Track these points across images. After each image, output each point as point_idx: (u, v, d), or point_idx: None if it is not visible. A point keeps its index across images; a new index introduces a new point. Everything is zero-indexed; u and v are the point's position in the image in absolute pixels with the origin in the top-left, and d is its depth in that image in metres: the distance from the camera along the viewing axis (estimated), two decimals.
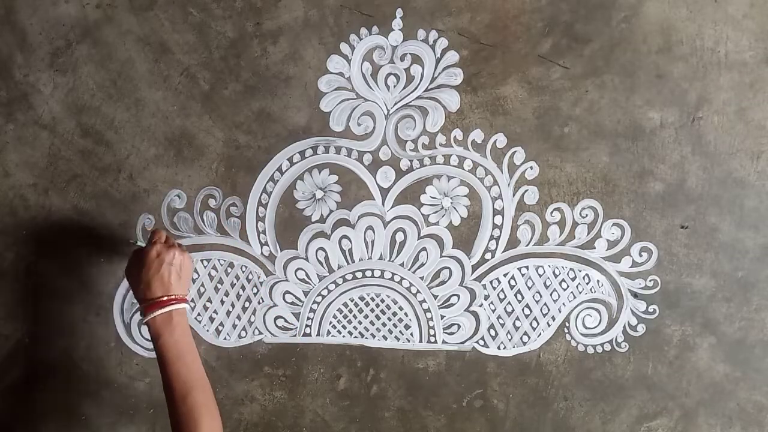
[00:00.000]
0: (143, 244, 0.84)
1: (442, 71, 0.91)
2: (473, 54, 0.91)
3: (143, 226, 0.94)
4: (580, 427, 0.98)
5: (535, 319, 0.96)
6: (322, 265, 0.95)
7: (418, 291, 0.96)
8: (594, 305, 0.95)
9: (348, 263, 0.95)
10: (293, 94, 0.92)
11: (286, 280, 0.95)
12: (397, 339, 0.97)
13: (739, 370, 0.96)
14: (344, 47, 0.91)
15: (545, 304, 0.96)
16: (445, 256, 0.95)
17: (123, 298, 0.95)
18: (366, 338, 0.97)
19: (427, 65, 0.91)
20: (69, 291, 0.95)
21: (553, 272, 0.95)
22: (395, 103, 0.92)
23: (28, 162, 0.93)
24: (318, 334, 0.97)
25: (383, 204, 0.94)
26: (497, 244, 0.94)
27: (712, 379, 0.96)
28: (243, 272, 0.95)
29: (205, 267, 0.95)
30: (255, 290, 0.96)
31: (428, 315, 0.96)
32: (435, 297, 0.96)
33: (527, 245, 0.94)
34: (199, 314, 0.96)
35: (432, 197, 0.94)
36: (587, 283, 0.95)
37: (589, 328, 0.96)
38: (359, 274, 0.95)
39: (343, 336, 0.97)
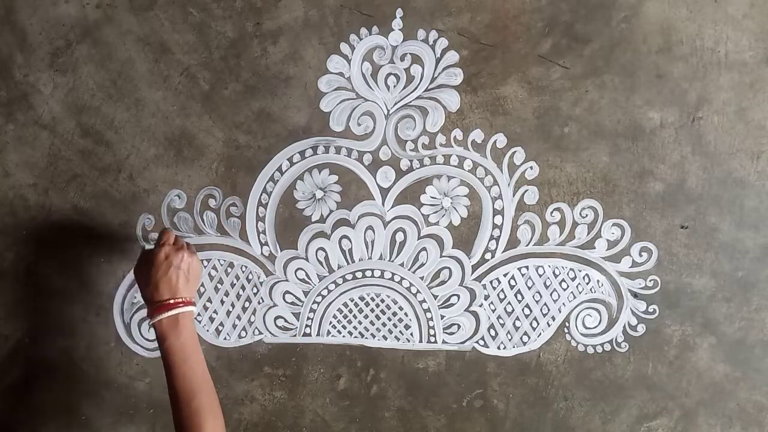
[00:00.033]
0: (151, 246, 0.82)
1: (442, 71, 0.91)
2: (473, 54, 0.91)
3: (143, 226, 0.94)
4: (580, 427, 0.98)
5: (535, 319, 0.96)
6: (322, 265, 0.95)
7: (418, 291, 0.96)
8: (594, 305, 0.95)
9: (348, 263, 0.95)
10: (293, 94, 0.92)
11: (286, 280, 0.95)
12: (397, 339, 0.97)
13: (739, 370, 0.96)
14: (344, 47, 0.91)
15: (545, 304, 0.96)
16: (445, 256, 0.95)
17: (123, 298, 0.95)
18: (366, 338, 0.97)
19: (427, 65, 0.91)
20: (69, 291, 0.95)
21: (553, 272, 0.95)
22: (395, 103, 0.92)
23: (28, 162, 0.93)
24: (318, 334, 0.97)
25: (383, 204, 0.94)
26: (497, 244, 0.94)
27: (712, 379, 0.96)
28: (243, 272, 0.95)
29: (205, 267, 0.95)
30: (255, 290, 0.96)
31: (428, 315, 0.96)
32: (435, 297, 0.96)
33: (527, 245, 0.94)
34: (199, 314, 0.96)
35: (432, 197, 0.94)
36: (587, 283, 0.95)
37: (589, 328, 0.96)
38: (359, 274, 0.95)
39: (343, 336, 0.97)
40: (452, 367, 0.97)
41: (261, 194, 0.93)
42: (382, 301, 0.96)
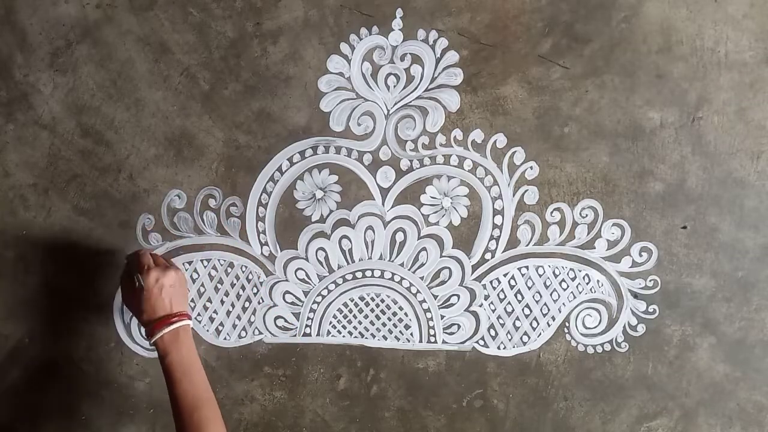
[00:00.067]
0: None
1: (442, 71, 0.91)
2: (473, 54, 0.91)
3: (143, 226, 0.94)
4: (580, 427, 0.98)
5: (535, 319, 0.96)
6: (322, 265, 0.95)
7: (418, 291, 0.96)
8: (594, 305, 0.95)
9: (348, 263, 0.95)
10: (293, 94, 0.92)
11: (286, 280, 0.95)
12: (397, 339, 0.97)
13: (739, 370, 0.96)
14: (344, 47, 0.91)
15: (545, 304, 0.96)
16: (445, 256, 0.95)
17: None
18: (366, 338, 0.97)
19: (427, 65, 0.91)
20: (69, 291, 0.95)
21: (553, 272, 0.95)
22: (395, 103, 0.92)
23: (28, 162, 0.93)
24: (318, 334, 0.97)
25: (383, 204, 0.94)
26: (497, 244, 0.94)
27: (712, 379, 0.96)
28: (243, 272, 0.95)
29: (205, 267, 0.95)
30: (255, 290, 0.96)
31: (428, 315, 0.96)
32: (435, 297, 0.96)
33: (527, 245, 0.94)
34: (199, 314, 0.96)
35: (432, 197, 0.94)
36: (587, 283, 0.95)
37: (589, 328, 0.96)
38: (359, 274, 0.95)
39: (343, 336, 0.97)
40: (452, 367, 0.97)
41: (261, 194, 0.93)
42: (382, 301, 0.96)
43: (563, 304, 0.95)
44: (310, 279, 0.96)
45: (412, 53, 0.91)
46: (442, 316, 0.96)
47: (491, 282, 0.95)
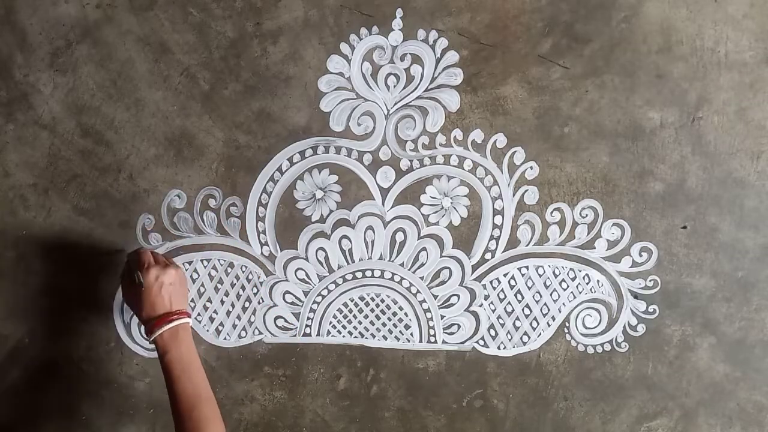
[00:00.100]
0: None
1: (442, 71, 0.91)
2: (473, 54, 0.91)
3: (143, 226, 0.94)
4: (580, 427, 0.98)
5: (535, 319, 0.96)
6: (322, 265, 0.95)
7: (418, 291, 0.96)
8: (594, 305, 0.95)
9: (348, 263, 0.95)
10: (293, 94, 0.92)
11: (286, 280, 0.95)
12: (397, 339, 0.97)
13: (739, 370, 0.96)
14: (344, 47, 0.91)
15: (545, 304, 0.96)
16: (445, 256, 0.95)
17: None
18: (366, 338, 0.97)
19: (427, 65, 0.91)
20: (69, 291, 0.95)
21: (553, 272, 0.95)
22: (395, 103, 0.92)
23: (28, 162, 0.93)
24: (318, 334, 0.97)
25: (383, 204, 0.94)
26: (497, 244, 0.94)
27: (712, 379, 0.96)
28: (243, 272, 0.95)
29: (205, 267, 0.95)
30: (255, 290, 0.96)
31: (428, 315, 0.96)
32: (435, 297, 0.96)
33: (527, 245, 0.94)
34: (199, 314, 0.96)
35: (432, 197, 0.94)
36: (587, 283, 0.95)
37: (589, 328, 0.96)
38: (359, 274, 0.95)
39: (343, 336, 0.97)
40: (452, 367, 0.97)
41: (261, 194, 0.93)
42: (382, 301, 0.96)
43: (563, 304, 0.95)
44: (310, 279, 0.96)
45: (412, 53, 0.91)
46: (442, 316, 0.96)
47: (491, 282, 0.95)
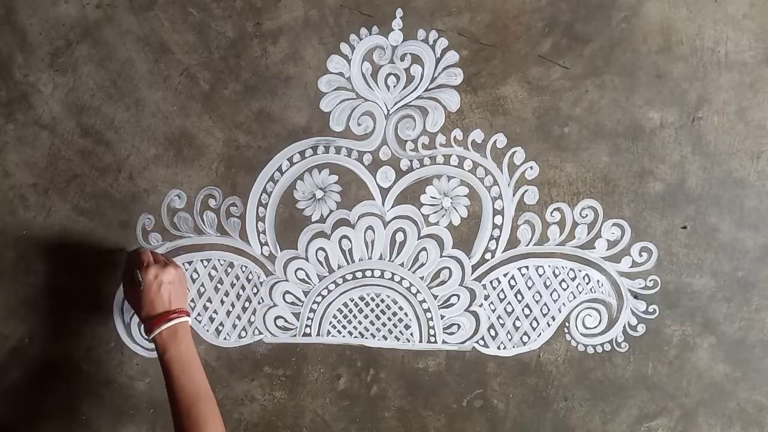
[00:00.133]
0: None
1: (442, 71, 0.91)
2: (473, 54, 0.91)
3: (143, 226, 0.94)
4: (580, 427, 0.98)
5: (535, 319, 0.96)
6: (322, 265, 0.95)
7: (418, 291, 0.96)
8: (594, 305, 0.95)
9: (348, 263, 0.95)
10: (293, 94, 0.92)
11: (286, 280, 0.95)
12: (397, 339, 0.97)
13: (739, 370, 0.96)
14: (344, 47, 0.91)
15: (545, 304, 0.96)
16: (445, 256, 0.95)
17: (123, 298, 0.94)
18: (366, 338, 0.97)
19: (427, 65, 0.91)
20: (69, 291, 0.95)
21: (553, 272, 0.95)
22: (395, 103, 0.92)
23: (28, 162, 0.93)
24: (318, 334, 0.97)
25: (383, 204, 0.94)
26: (497, 244, 0.94)
27: (712, 379, 0.96)
28: (243, 272, 0.95)
29: (205, 267, 0.95)
30: (255, 290, 0.96)
31: (428, 315, 0.96)
32: (435, 297, 0.96)
33: (527, 245, 0.94)
34: (199, 314, 0.96)
35: (432, 197, 0.94)
36: (587, 283, 0.95)
37: (589, 328, 0.96)
38: (359, 274, 0.95)
39: (343, 336, 0.97)
40: (452, 367, 0.97)
41: (261, 194, 0.93)
42: (382, 301, 0.96)
43: (563, 304, 0.95)
44: (310, 279, 0.96)
45: (412, 53, 0.91)
46: (442, 316, 0.96)
47: (491, 282, 0.95)
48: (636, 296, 0.95)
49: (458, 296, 0.96)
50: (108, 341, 0.96)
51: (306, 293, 0.96)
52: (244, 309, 0.96)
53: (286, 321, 0.96)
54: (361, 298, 0.96)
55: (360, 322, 0.97)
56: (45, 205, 0.93)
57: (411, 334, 0.97)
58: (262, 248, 0.95)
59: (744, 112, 0.90)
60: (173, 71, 0.91)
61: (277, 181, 0.93)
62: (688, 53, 0.90)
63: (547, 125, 0.92)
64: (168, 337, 0.81)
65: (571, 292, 0.95)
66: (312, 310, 0.96)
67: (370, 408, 0.98)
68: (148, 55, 0.91)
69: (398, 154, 0.93)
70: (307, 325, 0.97)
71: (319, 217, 0.94)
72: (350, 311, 0.96)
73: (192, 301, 0.95)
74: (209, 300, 0.96)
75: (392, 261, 0.95)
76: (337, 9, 0.90)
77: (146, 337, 0.82)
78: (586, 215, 0.93)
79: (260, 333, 0.97)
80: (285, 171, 0.93)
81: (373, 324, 0.97)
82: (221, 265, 0.95)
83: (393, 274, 0.95)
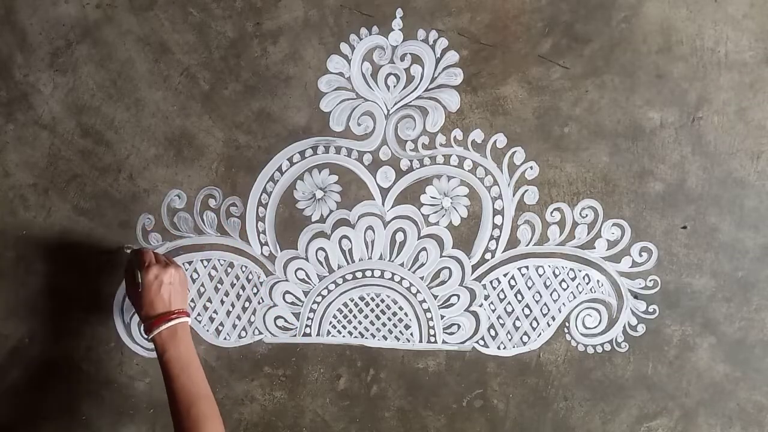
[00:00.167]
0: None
1: (442, 71, 0.91)
2: (473, 54, 0.91)
3: (143, 226, 0.94)
4: (580, 427, 0.98)
5: (535, 319, 0.96)
6: (322, 265, 0.95)
7: (418, 291, 0.96)
8: (594, 305, 0.95)
9: (348, 263, 0.95)
10: (293, 94, 0.92)
11: (286, 280, 0.95)
12: (397, 339, 0.97)
13: (739, 370, 0.96)
14: (344, 47, 0.91)
15: (545, 304, 0.96)
16: (445, 256, 0.95)
17: (123, 298, 0.95)
18: (366, 338, 0.97)
19: (427, 65, 0.91)
20: (69, 291, 0.95)
21: (553, 272, 0.95)
22: (395, 103, 0.92)
23: (28, 162, 0.93)
24: (318, 334, 0.97)
25: (383, 204, 0.94)
26: (497, 244, 0.94)
27: (712, 379, 0.96)
28: (243, 272, 0.95)
29: (205, 267, 0.95)
30: (255, 290, 0.96)
31: (428, 315, 0.96)
32: (435, 297, 0.96)
33: (527, 245, 0.94)
34: (199, 314, 0.96)
35: (432, 197, 0.94)
36: (587, 283, 0.95)
37: (589, 328, 0.96)
38: (359, 274, 0.95)
39: (343, 336, 0.97)
40: (452, 367, 0.97)
41: (261, 194, 0.93)
42: (382, 301, 0.96)
43: (563, 304, 0.95)
44: (310, 279, 0.96)
45: (412, 53, 0.91)
46: (442, 316, 0.96)
47: (491, 282, 0.95)
48: (636, 296, 0.95)
49: (458, 296, 0.96)
50: (108, 341, 0.96)
51: (306, 293, 0.96)
52: (244, 309, 0.96)
53: (286, 321, 0.96)
54: (361, 298, 0.96)
55: (360, 322, 0.97)
56: (45, 205, 0.93)
57: (411, 334, 0.97)
58: (262, 248, 0.95)
59: (744, 112, 0.90)
60: (173, 71, 0.91)
61: (277, 181, 0.93)
62: (688, 53, 0.90)
63: (547, 125, 0.92)
64: (167, 338, 0.81)
65: (571, 292, 0.95)
66: (312, 310, 0.96)
67: (370, 408, 0.98)
68: (148, 55, 0.91)
69: (398, 154, 0.93)
70: (307, 325, 0.97)
71: (319, 217, 0.94)
72: (350, 311, 0.96)
73: (192, 301, 0.95)
74: (209, 300, 0.96)
75: (392, 261, 0.95)
76: (337, 9, 0.90)
77: (146, 336, 0.82)
78: (586, 215, 0.93)
79: (260, 333, 0.97)
80: (285, 171, 0.93)
81: (373, 324, 0.97)
82: (221, 265, 0.95)
83: (393, 274, 0.95)
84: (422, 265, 0.95)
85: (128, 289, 0.87)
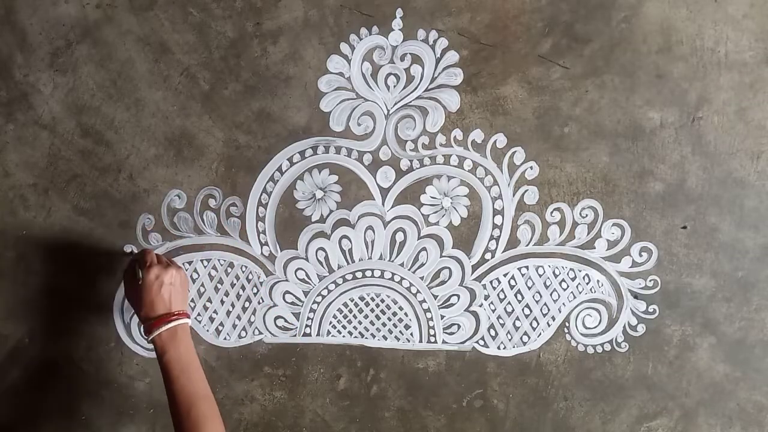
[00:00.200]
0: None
1: (442, 71, 0.91)
2: (473, 54, 0.91)
3: (143, 226, 0.94)
4: (580, 427, 0.98)
5: (535, 319, 0.96)
6: (322, 265, 0.95)
7: (418, 291, 0.96)
8: (594, 305, 0.95)
9: (348, 263, 0.95)
10: (293, 94, 0.92)
11: (286, 280, 0.95)
12: (397, 339, 0.97)
13: (739, 370, 0.96)
14: (344, 47, 0.91)
15: (545, 304, 0.96)
16: (445, 256, 0.95)
17: (123, 298, 0.94)
18: (366, 338, 0.97)
19: (427, 65, 0.91)
20: (69, 291, 0.95)
21: (553, 272, 0.95)
22: (395, 103, 0.92)
23: (28, 162, 0.93)
24: (318, 334, 0.97)
25: (383, 204, 0.94)
26: (497, 244, 0.94)
27: (712, 379, 0.96)
28: (243, 272, 0.95)
29: (205, 267, 0.95)
30: (255, 290, 0.96)
31: (428, 315, 0.96)
32: (435, 297, 0.96)
33: (527, 245, 0.94)
34: (199, 314, 0.96)
35: (432, 197, 0.94)
36: (587, 283, 0.95)
37: (589, 328, 0.96)
38: (359, 274, 0.95)
39: (343, 336, 0.97)
40: (452, 367, 0.97)
41: (261, 194, 0.93)
42: (382, 301, 0.96)
43: (563, 304, 0.95)
44: (310, 279, 0.96)
45: (412, 53, 0.91)
46: (442, 316, 0.96)
47: (491, 282, 0.95)
48: (636, 296, 0.95)
49: (458, 296, 0.96)
50: (108, 341, 0.96)
51: (306, 293, 0.96)
52: (244, 309, 0.96)
53: (286, 321, 0.96)
54: (361, 298, 0.96)
55: (360, 322, 0.97)
56: (45, 205, 0.93)
57: (411, 334, 0.97)
58: (262, 248, 0.95)
59: (744, 112, 0.90)
60: (173, 71, 0.91)
61: (277, 181, 0.93)
62: (688, 53, 0.90)
63: (547, 125, 0.92)
64: (167, 339, 0.81)
65: (571, 292, 0.95)
66: (312, 310, 0.96)
67: (370, 408, 0.98)
68: (148, 55, 0.91)
69: (398, 154, 0.93)
70: (307, 325, 0.97)
71: (319, 217, 0.94)
72: (350, 311, 0.96)
73: (192, 301, 0.95)
74: (209, 300, 0.96)
75: (392, 261, 0.95)
76: (337, 9, 0.90)
77: (146, 337, 0.82)
78: (586, 215, 0.93)
79: (260, 333, 0.97)
80: (285, 171, 0.93)
81: (373, 324, 0.97)
82: (221, 265, 0.95)
83: (393, 274, 0.95)
84: (422, 265, 0.95)
85: (127, 290, 0.87)
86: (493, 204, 0.93)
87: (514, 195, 0.93)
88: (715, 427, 0.98)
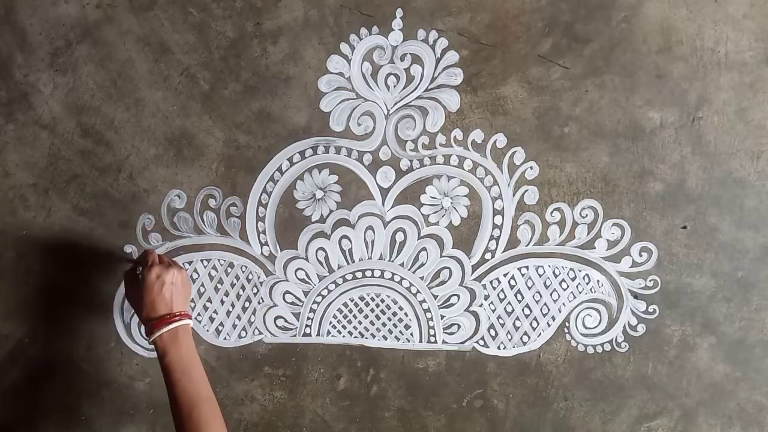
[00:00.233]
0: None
1: (442, 71, 0.91)
2: (473, 54, 0.91)
3: (143, 226, 0.94)
4: (580, 427, 0.98)
5: (535, 319, 0.96)
6: (322, 265, 0.95)
7: (418, 291, 0.96)
8: (594, 305, 0.95)
9: (348, 263, 0.95)
10: (293, 94, 0.92)
11: (286, 280, 0.95)
12: (397, 339, 0.97)
13: (739, 370, 0.96)
14: (344, 47, 0.91)
15: (545, 304, 0.96)
16: (445, 256, 0.95)
17: (123, 298, 0.95)
18: (366, 338, 0.97)
19: (427, 65, 0.91)
20: (69, 291, 0.95)
21: (553, 272, 0.95)
22: (395, 103, 0.92)
23: (28, 162, 0.93)
24: (318, 334, 0.97)
25: (383, 204, 0.94)
26: (497, 244, 0.94)
27: (712, 379, 0.96)
28: (243, 272, 0.95)
29: (205, 267, 0.95)
30: (255, 290, 0.96)
31: (428, 315, 0.96)
32: (435, 297, 0.96)
33: (527, 245, 0.94)
34: (199, 314, 0.96)
35: (432, 197, 0.94)
36: (587, 283, 0.95)
37: (589, 328, 0.96)
38: (359, 274, 0.95)
39: (343, 336, 0.97)
40: (452, 367, 0.97)
41: (261, 194, 0.93)
42: (382, 301, 0.96)
43: (563, 304, 0.95)
44: (310, 279, 0.96)
45: (412, 53, 0.91)
46: (442, 316, 0.96)
47: (491, 282, 0.95)
48: (636, 296, 0.95)
49: (458, 296, 0.96)
50: (108, 341, 0.96)
51: (306, 293, 0.96)
52: (244, 309, 0.96)
53: (286, 321, 0.96)
54: (361, 298, 0.96)
55: (360, 322, 0.97)
56: (45, 205, 0.93)
57: (411, 334, 0.97)
58: (262, 248, 0.95)
59: (744, 112, 0.90)
60: (173, 71, 0.91)
61: (277, 181, 0.93)
62: (688, 53, 0.90)
63: (547, 125, 0.92)
64: (168, 340, 0.80)
65: (571, 292, 0.95)
66: (312, 310, 0.96)
67: (370, 408, 0.98)
68: (148, 55, 0.91)
69: (398, 154, 0.93)
70: (307, 325, 0.97)
71: (319, 217, 0.94)
72: (350, 311, 0.96)
73: (192, 301, 0.95)
74: (209, 300, 0.96)
75: (392, 261, 0.95)
76: (337, 9, 0.90)
77: (147, 338, 0.82)
78: (586, 215, 0.93)
79: (260, 333, 0.97)
80: (285, 171, 0.93)
81: (373, 324, 0.97)
82: (221, 265, 0.95)
83: (393, 274, 0.95)
84: (422, 265, 0.95)
85: (128, 291, 0.87)
86: (493, 204, 0.93)
87: (514, 195, 0.93)
88: (715, 427, 0.98)
